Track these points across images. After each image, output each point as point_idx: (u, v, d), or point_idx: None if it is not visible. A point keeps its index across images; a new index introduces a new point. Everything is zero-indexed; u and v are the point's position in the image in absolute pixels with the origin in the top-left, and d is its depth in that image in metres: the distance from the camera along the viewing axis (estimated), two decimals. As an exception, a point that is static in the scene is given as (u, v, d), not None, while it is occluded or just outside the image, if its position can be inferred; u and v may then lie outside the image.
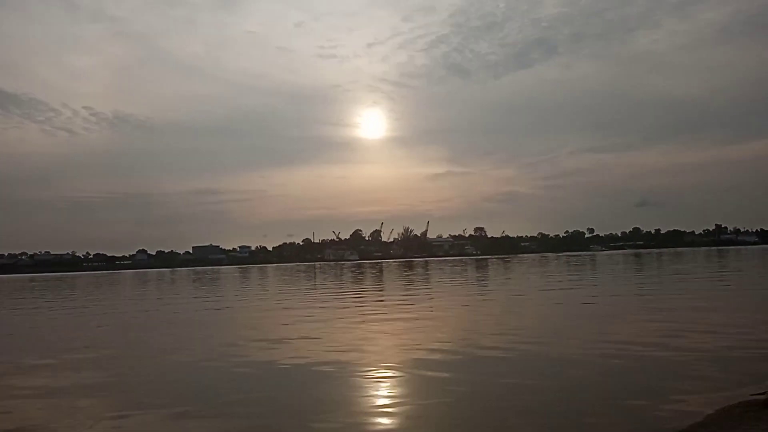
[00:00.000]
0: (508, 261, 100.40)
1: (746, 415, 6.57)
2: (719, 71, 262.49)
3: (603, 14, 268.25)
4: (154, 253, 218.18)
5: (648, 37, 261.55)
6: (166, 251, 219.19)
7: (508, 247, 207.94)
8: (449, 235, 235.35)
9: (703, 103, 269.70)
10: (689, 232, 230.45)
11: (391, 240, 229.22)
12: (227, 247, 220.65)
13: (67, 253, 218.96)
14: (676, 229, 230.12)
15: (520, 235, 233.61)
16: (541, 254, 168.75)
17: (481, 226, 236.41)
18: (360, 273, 70.22)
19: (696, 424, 6.49)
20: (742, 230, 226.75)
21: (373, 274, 66.21)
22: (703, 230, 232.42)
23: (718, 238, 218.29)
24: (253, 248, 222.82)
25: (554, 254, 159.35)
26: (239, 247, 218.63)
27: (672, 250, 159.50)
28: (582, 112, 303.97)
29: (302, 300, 29.64)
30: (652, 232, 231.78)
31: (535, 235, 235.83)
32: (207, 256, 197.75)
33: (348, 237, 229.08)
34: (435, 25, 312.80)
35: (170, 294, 41.77)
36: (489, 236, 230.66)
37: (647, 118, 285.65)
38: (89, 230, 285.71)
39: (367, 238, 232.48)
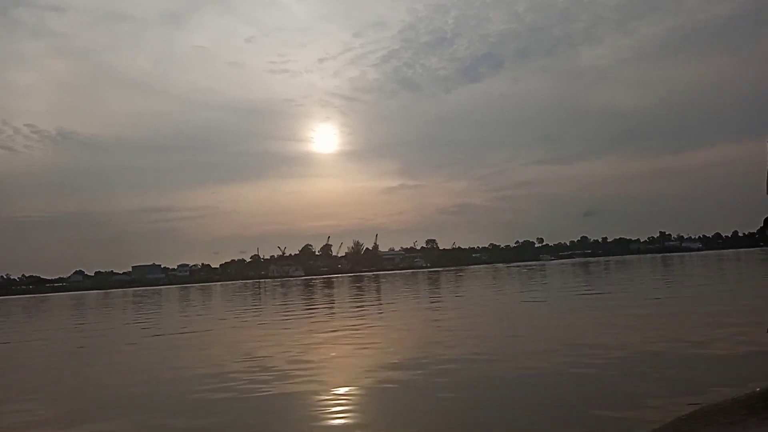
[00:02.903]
0: (459, 273, 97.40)
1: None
2: (660, 84, 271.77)
3: (548, 30, 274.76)
4: (92, 274, 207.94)
5: (592, 52, 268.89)
6: (105, 272, 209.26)
7: (459, 258, 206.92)
8: (401, 247, 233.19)
9: (645, 115, 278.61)
10: (635, 240, 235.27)
11: (342, 254, 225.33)
12: (174, 266, 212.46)
13: (0, 276, 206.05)
14: (622, 237, 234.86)
15: (472, 246, 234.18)
16: (492, 265, 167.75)
17: (434, 238, 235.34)
18: (298, 291, 65.70)
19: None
20: (685, 237, 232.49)
21: (304, 292, 61.82)
22: (648, 237, 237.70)
23: (662, 245, 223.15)
24: (199, 266, 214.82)
25: (504, 265, 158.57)
26: (178, 265, 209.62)
27: (619, 257, 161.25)
28: (530, 125, 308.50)
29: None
30: (600, 240, 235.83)
31: (487, 246, 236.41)
32: (145, 276, 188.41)
33: (298, 252, 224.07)
34: (386, 40, 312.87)
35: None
36: (441, 248, 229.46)
37: (593, 130, 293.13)
38: (30, 252, 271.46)
39: (317, 253, 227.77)
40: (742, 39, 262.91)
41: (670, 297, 24.02)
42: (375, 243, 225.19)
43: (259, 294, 62.52)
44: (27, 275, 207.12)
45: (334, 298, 44.34)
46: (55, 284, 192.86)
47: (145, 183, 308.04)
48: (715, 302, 20.41)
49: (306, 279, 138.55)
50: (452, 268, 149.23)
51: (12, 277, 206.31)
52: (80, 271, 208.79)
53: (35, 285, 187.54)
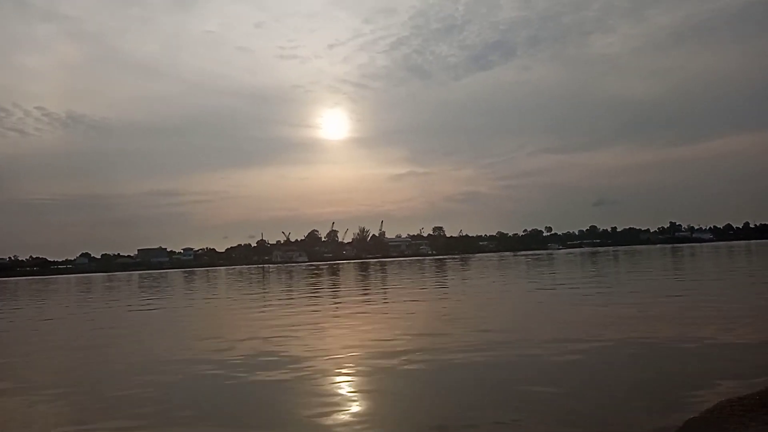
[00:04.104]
0: (464, 262, 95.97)
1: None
2: (671, 74, 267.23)
3: (559, 18, 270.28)
4: (99, 257, 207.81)
5: (603, 41, 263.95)
6: (112, 254, 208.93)
7: (466, 246, 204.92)
8: (407, 235, 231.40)
9: (656, 104, 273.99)
10: (644, 230, 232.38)
11: (350, 240, 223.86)
12: (180, 249, 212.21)
13: (8, 258, 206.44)
14: (631, 227, 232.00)
15: (479, 234, 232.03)
16: (499, 253, 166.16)
17: (441, 226, 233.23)
18: (298, 278, 64.45)
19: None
20: (696, 228, 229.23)
21: (303, 280, 60.47)
22: (658, 228, 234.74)
23: (673, 235, 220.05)
24: (205, 250, 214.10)
25: (512, 253, 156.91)
26: (183, 249, 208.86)
27: (628, 248, 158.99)
28: (540, 114, 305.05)
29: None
30: (609, 230, 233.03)
31: (494, 234, 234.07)
32: (149, 260, 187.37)
33: (304, 237, 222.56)
34: (395, 26, 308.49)
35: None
36: (448, 236, 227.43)
37: (603, 120, 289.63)
38: (39, 233, 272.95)
39: (323, 239, 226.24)
40: (755, 29, 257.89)
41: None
42: (380, 229, 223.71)
43: (262, 281, 61.16)
44: (34, 257, 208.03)
45: (320, 289, 42.94)
46: (60, 266, 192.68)
47: (154, 167, 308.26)
48: None
49: (309, 265, 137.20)
50: (458, 256, 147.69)
51: (20, 259, 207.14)
52: (86, 253, 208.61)
53: (40, 267, 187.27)
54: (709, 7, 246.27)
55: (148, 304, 32.20)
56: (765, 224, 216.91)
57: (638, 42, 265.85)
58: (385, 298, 27.46)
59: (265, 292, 38.01)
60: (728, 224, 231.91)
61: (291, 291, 37.90)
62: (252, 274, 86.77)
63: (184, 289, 48.81)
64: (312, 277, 60.05)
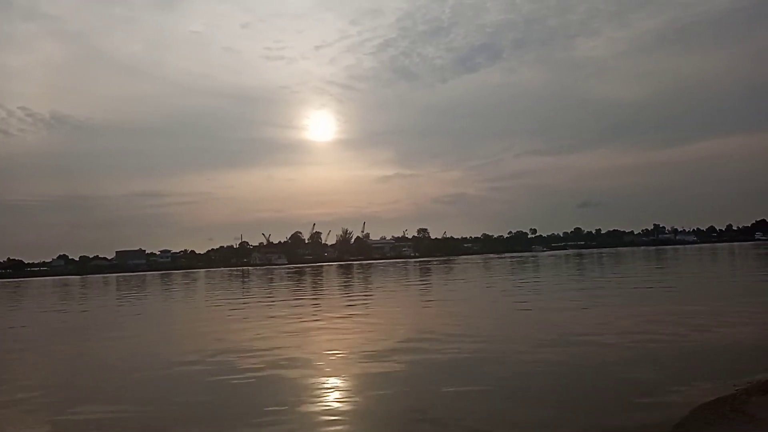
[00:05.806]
0: (444, 264, 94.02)
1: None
2: (656, 77, 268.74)
3: (545, 21, 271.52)
4: (77, 259, 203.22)
5: (588, 44, 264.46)
6: (90, 257, 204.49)
7: (450, 248, 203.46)
8: (392, 236, 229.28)
9: (641, 107, 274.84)
10: (628, 232, 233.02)
11: (333, 242, 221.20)
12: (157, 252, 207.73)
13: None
14: (616, 229, 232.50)
15: (464, 236, 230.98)
16: (483, 255, 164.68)
17: (426, 227, 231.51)
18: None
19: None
20: (679, 230, 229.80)
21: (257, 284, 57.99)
22: (642, 230, 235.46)
23: (656, 237, 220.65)
24: (186, 252, 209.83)
25: (496, 255, 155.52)
26: (160, 251, 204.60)
27: (612, 250, 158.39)
28: (526, 116, 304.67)
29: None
30: (593, 232, 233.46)
31: (479, 236, 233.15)
32: (125, 262, 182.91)
33: (287, 239, 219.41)
34: (382, 28, 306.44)
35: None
36: (432, 237, 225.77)
37: (588, 122, 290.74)
38: (20, 235, 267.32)
39: (307, 241, 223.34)
40: (739, 33, 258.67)
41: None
42: (363, 231, 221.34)
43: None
44: (11, 258, 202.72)
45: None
46: (35, 268, 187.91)
47: (138, 168, 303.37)
48: None
49: (287, 268, 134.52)
50: (442, 258, 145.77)
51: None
52: (64, 255, 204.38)
53: (14, 269, 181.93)
54: (692, 11, 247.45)
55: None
56: (747, 226, 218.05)
57: (623, 45, 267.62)
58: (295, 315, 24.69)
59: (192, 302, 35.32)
60: (711, 226, 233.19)
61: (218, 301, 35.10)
62: (222, 277, 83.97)
63: (117, 295, 45.73)
64: (264, 283, 57.61)
